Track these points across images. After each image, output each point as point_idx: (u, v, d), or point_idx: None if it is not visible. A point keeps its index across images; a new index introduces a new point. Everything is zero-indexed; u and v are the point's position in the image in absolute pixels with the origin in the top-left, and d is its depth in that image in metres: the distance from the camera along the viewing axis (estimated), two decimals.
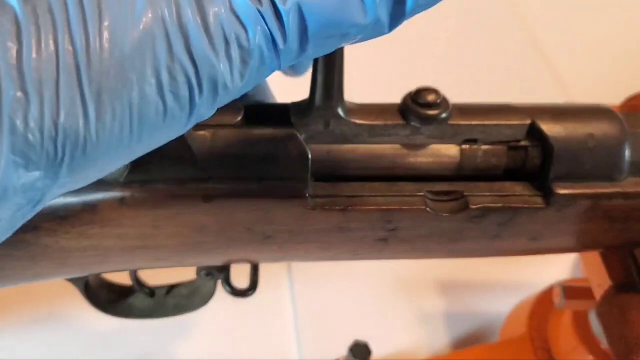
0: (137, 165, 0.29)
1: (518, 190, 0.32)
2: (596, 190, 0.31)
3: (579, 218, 0.32)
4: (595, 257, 0.39)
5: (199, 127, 0.30)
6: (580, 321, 0.46)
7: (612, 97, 0.48)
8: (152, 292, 0.39)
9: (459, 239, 0.33)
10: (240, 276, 0.39)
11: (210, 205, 0.30)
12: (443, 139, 0.32)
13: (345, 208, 0.31)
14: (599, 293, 0.38)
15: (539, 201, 0.32)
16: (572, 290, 0.42)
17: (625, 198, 0.32)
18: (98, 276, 0.38)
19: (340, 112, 0.30)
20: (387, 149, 0.32)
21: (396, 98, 0.32)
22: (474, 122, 0.31)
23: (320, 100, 0.30)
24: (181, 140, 0.29)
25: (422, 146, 0.32)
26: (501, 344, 0.50)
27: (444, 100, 0.31)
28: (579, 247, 0.35)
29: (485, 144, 0.32)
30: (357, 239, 0.32)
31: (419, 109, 0.30)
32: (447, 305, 0.59)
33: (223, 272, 0.36)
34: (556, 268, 0.57)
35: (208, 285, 0.38)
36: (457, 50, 0.87)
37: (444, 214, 0.31)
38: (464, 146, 0.32)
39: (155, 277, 0.40)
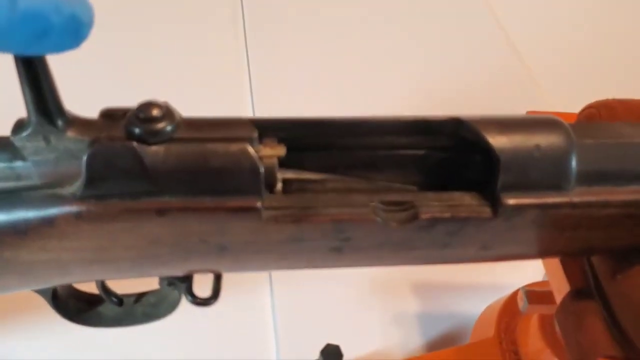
0: (93, 180, 0.30)
1: (467, 200, 0.33)
2: (544, 199, 0.32)
3: (528, 227, 0.33)
4: (555, 262, 0.39)
5: (152, 142, 0.30)
6: (547, 324, 0.47)
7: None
8: (120, 300, 0.40)
9: (410, 248, 0.33)
10: (208, 283, 0.39)
11: (164, 219, 0.31)
12: None
13: (298, 220, 0.31)
14: (558, 298, 0.39)
15: (487, 211, 0.32)
16: (535, 295, 0.42)
17: (573, 207, 0.32)
18: (66, 286, 0.39)
19: (59, 127, 0.30)
20: None
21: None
22: (199, 135, 0.31)
23: (34, 116, 0.29)
24: (134, 155, 0.30)
25: None
26: (470, 346, 0.51)
27: (169, 113, 0.30)
28: (533, 254, 0.35)
29: None
30: (311, 249, 0.33)
31: (140, 124, 0.30)
32: (421, 307, 0.60)
33: (185, 281, 0.36)
34: (528, 270, 0.58)
35: (173, 293, 0.39)
36: (436, 57, 0.88)
37: (393, 224, 0.32)
38: None
39: (124, 285, 0.41)
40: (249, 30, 0.91)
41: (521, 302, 0.43)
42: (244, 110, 0.81)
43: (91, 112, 0.32)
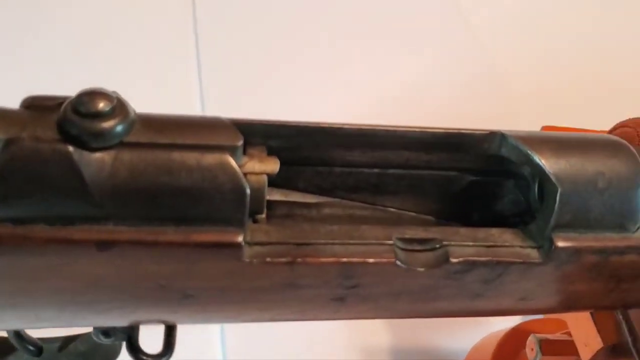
0: (7, 198, 0.21)
1: (508, 239, 0.25)
2: (605, 243, 0.25)
3: (582, 276, 0.26)
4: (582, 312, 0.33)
5: (96, 147, 0.22)
6: None
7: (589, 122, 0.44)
8: (39, 348, 0.31)
9: (432, 299, 0.26)
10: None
11: (108, 254, 0.22)
12: None
13: (293, 260, 0.23)
14: (585, 352, 0.33)
15: (534, 254, 0.25)
16: (550, 344, 0.36)
17: None
18: None
19: None
20: None
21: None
22: (162, 141, 0.23)
23: None
24: (69, 166, 0.21)
25: None
26: None
27: (120, 107, 0.22)
28: (574, 308, 0.29)
29: None
30: (307, 298, 0.25)
31: (80, 121, 0.22)
32: (394, 341, 0.53)
33: (127, 332, 0.27)
34: None
35: (110, 343, 0.30)
36: (411, 65, 0.82)
37: (419, 269, 0.24)
38: None
39: None
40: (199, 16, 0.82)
41: (532, 353, 0.36)
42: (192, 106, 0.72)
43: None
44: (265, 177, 0.24)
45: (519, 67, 0.85)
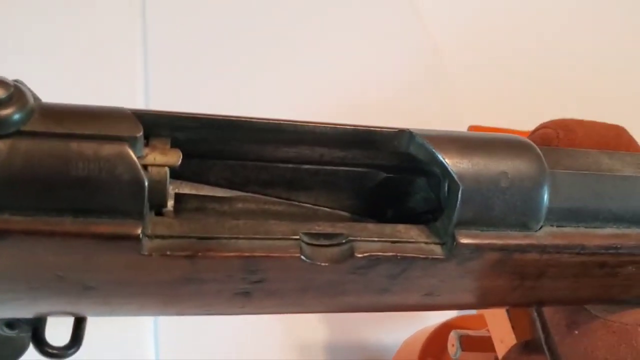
0: None
1: (413, 235, 0.26)
2: (507, 241, 0.26)
3: (485, 273, 0.26)
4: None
5: None
6: None
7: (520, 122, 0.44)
8: None
9: (339, 293, 0.26)
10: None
11: (3, 244, 0.22)
12: None
13: (194, 254, 0.23)
14: (500, 349, 0.34)
15: (437, 250, 0.25)
16: (470, 340, 0.37)
17: (541, 252, 0.26)
18: None
19: None
20: None
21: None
22: (60, 131, 0.22)
23: None
24: None
25: None
26: None
27: (18, 95, 0.22)
28: (481, 304, 0.29)
29: None
30: (211, 292, 0.25)
31: None
32: (328, 335, 0.53)
33: (33, 323, 0.27)
34: None
35: (17, 337, 0.29)
36: (356, 61, 0.82)
37: (323, 264, 0.24)
38: None
39: None
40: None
41: (453, 349, 0.37)
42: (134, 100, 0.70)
43: None
44: (166, 169, 0.24)
45: (464, 66, 0.85)
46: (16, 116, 0.21)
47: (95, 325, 0.46)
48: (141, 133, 0.23)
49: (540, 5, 0.99)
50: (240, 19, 0.82)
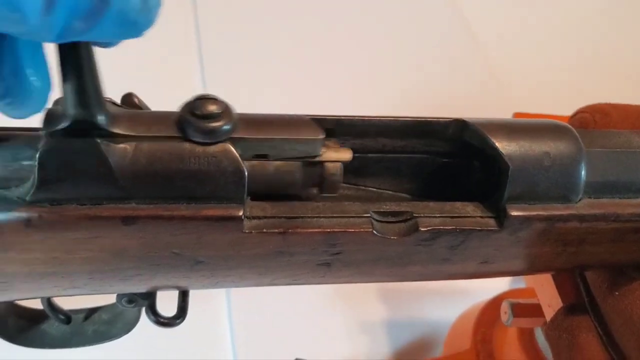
0: (46, 182, 0.26)
1: (469, 210, 0.30)
2: (551, 212, 0.30)
3: (533, 241, 0.30)
4: (545, 275, 0.37)
5: (119, 139, 0.26)
6: (526, 336, 0.45)
7: (561, 108, 0.47)
8: (68, 317, 0.35)
9: (406, 263, 0.30)
10: (168, 299, 0.35)
11: (131, 228, 0.27)
12: None
13: (285, 231, 0.28)
14: (548, 313, 0.37)
15: (491, 223, 0.29)
16: (520, 308, 0.40)
17: (581, 221, 0.30)
18: (5, 302, 0.34)
19: (101, 121, 0.26)
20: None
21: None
22: (261, 136, 0.28)
23: (73, 109, 0.25)
24: (98, 153, 0.26)
25: None
26: (445, 359, 0.48)
27: (227, 110, 0.27)
28: (530, 270, 0.33)
29: (277, 159, 0.29)
30: (298, 263, 0.29)
31: (196, 121, 0.26)
32: (389, 313, 0.57)
33: (147, 298, 0.32)
34: None
35: (130, 311, 0.34)
36: (398, 54, 0.85)
37: (392, 237, 0.29)
38: (253, 161, 0.28)
39: (72, 299, 0.36)
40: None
41: (505, 316, 0.40)
42: None
43: None
44: (340, 164, 0.29)
45: (509, 58, 0.88)
46: (226, 127, 0.26)
47: (167, 339, 0.51)
48: (323, 135, 0.28)
49: None
50: (292, 18, 0.86)
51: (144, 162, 0.26)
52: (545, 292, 0.37)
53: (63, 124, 0.25)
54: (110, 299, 0.35)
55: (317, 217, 0.28)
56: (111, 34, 0.20)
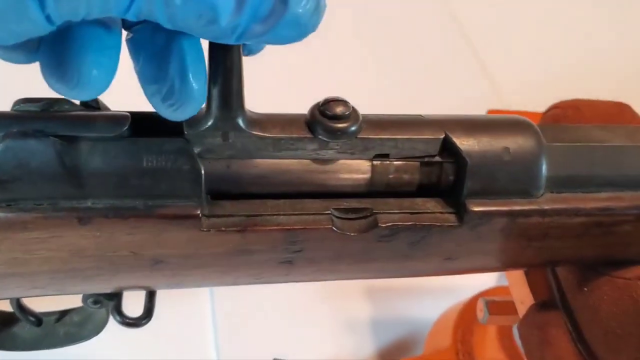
0: (2, 182, 0.26)
1: (430, 207, 0.30)
2: (512, 207, 0.29)
3: (495, 236, 0.30)
4: (518, 272, 0.37)
5: (74, 139, 0.26)
6: (505, 334, 0.45)
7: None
8: (38, 320, 0.35)
9: (368, 260, 0.30)
10: (138, 299, 0.35)
11: (87, 227, 0.27)
12: (353, 154, 0.29)
13: (243, 229, 0.28)
14: (521, 310, 0.37)
15: (451, 219, 0.29)
16: (496, 305, 0.40)
17: (542, 215, 0.30)
18: None
19: (241, 123, 0.27)
20: (293, 164, 0.29)
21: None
22: (385, 136, 0.29)
23: (217, 110, 0.27)
24: (52, 153, 0.26)
25: (331, 161, 0.29)
26: (425, 357, 0.48)
27: (354, 112, 0.28)
28: (500, 266, 0.33)
29: (397, 159, 0.29)
30: (259, 261, 0.29)
31: (326, 122, 0.28)
32: (373, 312, 0.57)
33: (113, 299, 0.32)
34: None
35: (99, 312, 0.34)
36: (392, 53, 0.85)
37: (352, 234, 0.29)
38: (374, 161, 0.29)
39: (46, 301, 0.36)
40: None
41: (481, 313, 0.40)
42: None
43: None
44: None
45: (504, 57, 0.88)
46: (352, 128, 0.28)
47: (151, 336, 0.51)
48: (444, 135, 0.29)
49: None
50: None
51: (100, 161, 0.26)
52: (518, 289, 0.37)
53: (206, 124, 0.27)
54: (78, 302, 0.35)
55: (276, 214, 0.28)
56: (282, 38, 0.21)
